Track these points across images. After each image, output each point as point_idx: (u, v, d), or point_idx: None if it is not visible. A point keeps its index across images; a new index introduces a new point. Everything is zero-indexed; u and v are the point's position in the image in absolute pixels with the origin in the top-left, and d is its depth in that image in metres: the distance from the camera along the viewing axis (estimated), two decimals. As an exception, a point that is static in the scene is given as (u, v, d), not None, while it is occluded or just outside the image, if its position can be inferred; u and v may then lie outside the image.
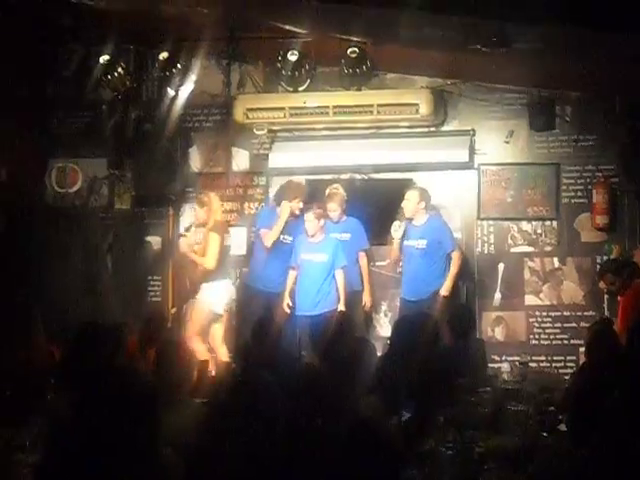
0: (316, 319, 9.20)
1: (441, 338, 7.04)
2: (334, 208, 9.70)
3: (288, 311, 9.46)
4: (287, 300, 9.52)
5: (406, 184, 9.97)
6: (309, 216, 9.51)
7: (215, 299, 9.57)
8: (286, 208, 9.52)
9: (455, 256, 9.47)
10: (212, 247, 9.46)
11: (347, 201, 9.82)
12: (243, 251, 10.38)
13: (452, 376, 6.71)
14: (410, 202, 9.49)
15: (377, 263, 10.18)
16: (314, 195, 10.13)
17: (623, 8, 6.35)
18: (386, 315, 10.18)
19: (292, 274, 9.64)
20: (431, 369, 6.26)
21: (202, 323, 9.56)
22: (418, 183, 10.03)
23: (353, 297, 9.67)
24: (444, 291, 9.31)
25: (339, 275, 9.48)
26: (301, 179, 10.05)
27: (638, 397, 4.19)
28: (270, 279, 9.69)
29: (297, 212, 9.70)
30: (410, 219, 9.54)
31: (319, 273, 9.47)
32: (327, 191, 9.85)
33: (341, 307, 9.36)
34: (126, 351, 7.21)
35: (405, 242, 9.55)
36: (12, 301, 8.96)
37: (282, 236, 9.71)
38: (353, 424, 4.39)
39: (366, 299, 9.75)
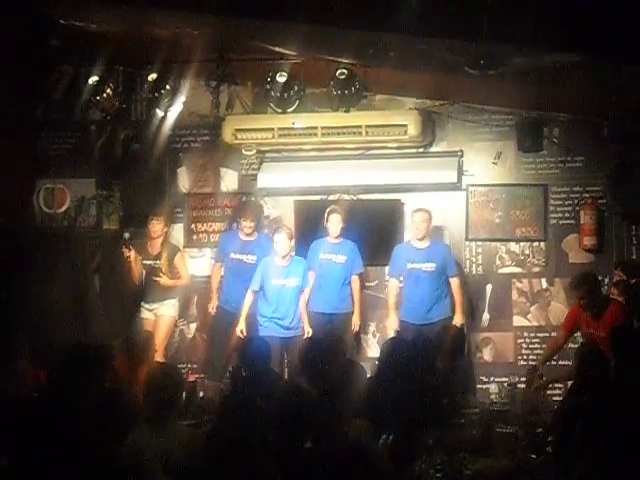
0: (292, 340, 9.25)
1: (430, 360, 7.04)
2: (338, 220, 9.68)
3: (241, 337, 9.41)
4: (242, 326, 9.53)
5: (395, 205, 10.00)
6: (281, 236, 9.50)
7: (176, 315, 10.18)
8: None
9: (455, 282, 9.52)
10: (184, 265, 10.11)
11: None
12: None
13: (440, 398, 6.71)
14: (426, 223, 9.52)
15: (367, 283, 10.18)
16: (304, 215, 10.16)
17: (612, 34, 6.40)
18: (374, 336, 10.17)
19: (250, 297, 9.63)
20: (419, 391, 6.26)
21: (168, 337, 10.15)
22: (406, 204, 10.07)
23: (344, 319, 9.66)
24: (459, 321, 9.35)
25: (303, 295, 9.54)
26: (277, 207, 10.47)
27: (624, 420, 4.19)
28: (237, 300, 9.73)
29: (247, 230, 9.83)
30: (412, 242, 9.55)
31: (291, 297, 9.50)
32: (329, 208, 9.85)
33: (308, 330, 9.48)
34: (115, 372, 7.20)
35: (409, 265, 9.53)
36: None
37: (245, 256, 9.82)
38: (342, 447, 4.39)
39: (355, 321, 9.74)
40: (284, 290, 9.51)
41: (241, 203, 10.49)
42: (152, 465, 4.53)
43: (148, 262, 9.97)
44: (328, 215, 9.75)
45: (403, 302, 9.61)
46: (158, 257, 9.94)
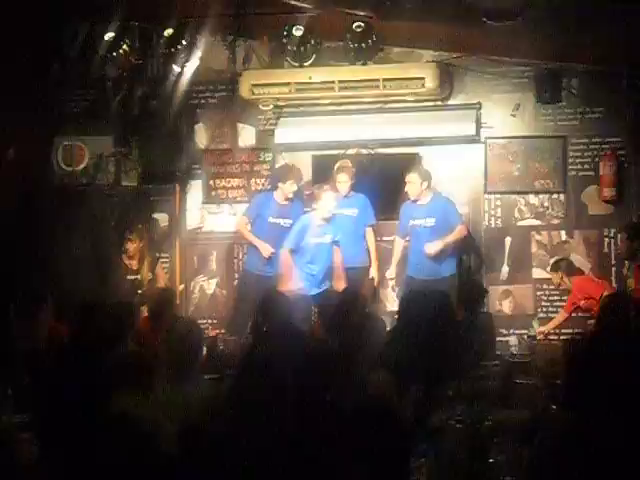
0: (323, 296, 9.22)
1: (449, 312, 7.05)
2: (344, 179, 9.69)
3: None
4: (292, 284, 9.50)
5: (413, 158, 9.97)
6: (329, 195, 9.46)
7: None
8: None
9: (458, 227, 9.51)
10: (162, 273, 10.28)
11: (355, 176, 9.81)
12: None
13: (461, 350, 6.73)
14: (414, 185, 9.49)
15: (384, 238, 10.18)
16: (321, 170, 10.14)
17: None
18: (393, 290, 10.18)
19: (287, 257, 9.58)
20: (439, 343, 6.28)
21: None
22: (424, 157, 10.05)
23: (361, 273, 9.68)
24: (429, 249, 9.34)
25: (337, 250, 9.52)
26: (295, 162, 10.33)
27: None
28: (264, 263, 9.73)
29: (290, 195, 9.78)
30: (415, 200, 9.54)
31: (327, 253, 9.50)
32: (337, 164, 9.85)
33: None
34: (136, 329, 7.26)
35: (411, 222, 9.54)
36: (21, 280, 8.98)
37: (283, 220, 9.80)
38: (362, 400, 4.41)
39: (374, 274, 9.75)
40: (321, 247, 9.52)
41: (282, 167, 10.42)
42: (171, 420, 4.57)
43: (131, 277, 9.93)
44: (336, 174, 9.74)
45: (408, 258, 9.65)
46: (139, 272, 9.91)
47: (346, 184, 9.69)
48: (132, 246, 9.88)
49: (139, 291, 9.71)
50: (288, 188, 9.80)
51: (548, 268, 9.91)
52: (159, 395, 5.33)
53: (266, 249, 9.70)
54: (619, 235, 9.58)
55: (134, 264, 9.90)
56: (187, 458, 3.76)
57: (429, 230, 9.48)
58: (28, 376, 5.78)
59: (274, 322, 7.12)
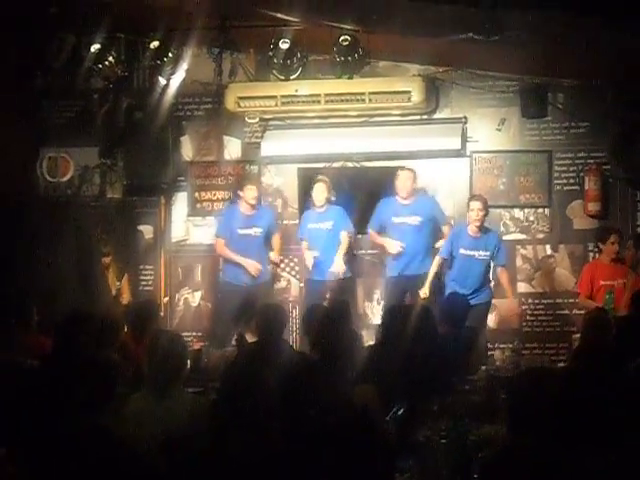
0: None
1: (435, 326, 7.04)
2: (322, 189, 9.68)
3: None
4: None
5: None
6: (319, 186, 9.62)
7: None
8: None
9: (446, 229, 9.61)
10: (127, 286, 10.24)
11: (339, 189, 9.81)
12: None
13: (445, 364, 6.71)
14: (409, 181, 9.51)
15: (369, 251, 10.18)
16: (307, 183, 10.13)
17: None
18: (379, 303, 10.16)
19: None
20: (424, 357, 6.26)
21: None
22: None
23: (345, 284, 9.64)
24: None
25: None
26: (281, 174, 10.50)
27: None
28: (244, 273, 9.71)
29: (251, 201, 9.75)
30: (405, 198, 9.54)
31: (326, 238, 9.71)
32: (316, 178, 9.85)
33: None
34: (119, 341, 7.21)
35: (394, 219, 9.53)
36: (4, 291, 8.91)
37: (253, 230, 9.78)
38: (347, 415, 4.38)
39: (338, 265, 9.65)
40: (319, 231, 9.65)
41: (241, 174, 10.45)
42: (153, 434, 4.53)
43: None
44: (313, 184, 9.74)
45: (390, 257, 9.63)
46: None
47: (323, 194, 9.65)
48: (104, 259, 9.91)
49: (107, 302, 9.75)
50: (248, 194, 9.77)
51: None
52: (141, 408, 5.29)
53: (253, 267, 9.69)
54: (628, 243, 9.48)
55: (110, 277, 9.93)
56: (168, 472, 3.72)
57: (414, 228, 9.49)
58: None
59: (264, 333, 7.10)
